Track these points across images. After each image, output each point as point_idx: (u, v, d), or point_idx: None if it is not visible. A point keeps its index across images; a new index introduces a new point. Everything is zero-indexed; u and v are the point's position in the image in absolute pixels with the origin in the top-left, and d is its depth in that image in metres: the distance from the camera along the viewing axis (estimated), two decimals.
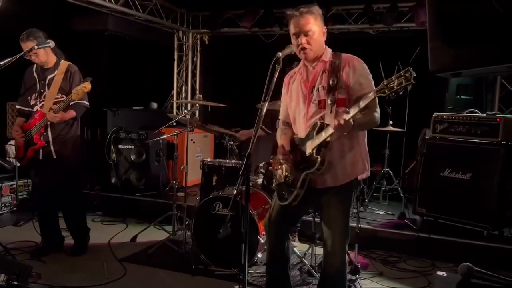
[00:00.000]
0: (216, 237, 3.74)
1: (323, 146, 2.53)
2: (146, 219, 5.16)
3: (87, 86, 3.80)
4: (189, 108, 7.97)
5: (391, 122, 5.49)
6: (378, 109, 2.57)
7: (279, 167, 2.79)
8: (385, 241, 4.61)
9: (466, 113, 4.78)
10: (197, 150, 6.61)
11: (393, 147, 5.87)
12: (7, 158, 5.87)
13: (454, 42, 2.01)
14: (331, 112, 2.54)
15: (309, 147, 2.59)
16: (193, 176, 5.86)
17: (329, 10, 6.55)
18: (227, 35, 7.64)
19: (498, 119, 4.43)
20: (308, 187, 2.62)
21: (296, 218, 2.89)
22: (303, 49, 2.61)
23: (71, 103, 3.86)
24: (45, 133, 3.92)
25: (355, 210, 4.69)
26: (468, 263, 1.96)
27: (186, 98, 8.15)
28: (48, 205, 4.17)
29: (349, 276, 3.73)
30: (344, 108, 2.51)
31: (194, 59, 8.20)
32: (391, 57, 6.27)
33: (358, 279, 3.68)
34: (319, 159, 2.51)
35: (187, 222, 4.30)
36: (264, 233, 2.93)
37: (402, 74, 2.14)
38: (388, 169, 5.86)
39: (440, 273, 2.01)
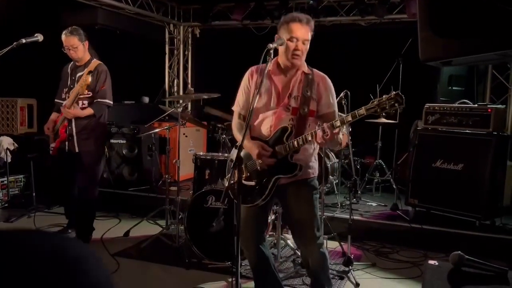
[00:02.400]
0: (209, 231, 3.74)
1: (295, 152, 2.63)
2: (139, 214, 5.14)
3: (87, 79, 3.93)
4: (180, 101, 7.92)
5: (383, 114, 5.49)
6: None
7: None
8: (378, 232, 4.64)
9: (458, 104, 4.80)
10: (189, 144, 6.58)
11: (386, 138, 5.88)
12: None
13: (443, 31, 2.02)
14: (301, 121, 2.65)
15: (282, 151, 2.62)
16: (186, 170, 5.85)
17: (320, 2, 6.53)
18: (219, 28, 7.59)
19: (489, 110, 4.45)
20: None
21: (266, 215, 2.94)
22: (297, 55, 2.61)
23: (94, 101, 4.06)
24: (69, 127, 4.07)
25: (348, 202, 4.71)
26: (459, 252, 1.97)
27: (178, 91, 8.10)
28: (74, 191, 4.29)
29: (342, 268, 3.75)
30: (313, 118, 2.69)
31: (186, 52, 8.15)
32: (383, 48, 6.30)
33: (351, 270, 3.69)
34: (298, 166, 2.61)
35: (180, 216, 4.29)
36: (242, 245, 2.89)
37: (393, 96, 2.22)
38: (380, 160, 5.88)
39: (431, 262, 2.02)
